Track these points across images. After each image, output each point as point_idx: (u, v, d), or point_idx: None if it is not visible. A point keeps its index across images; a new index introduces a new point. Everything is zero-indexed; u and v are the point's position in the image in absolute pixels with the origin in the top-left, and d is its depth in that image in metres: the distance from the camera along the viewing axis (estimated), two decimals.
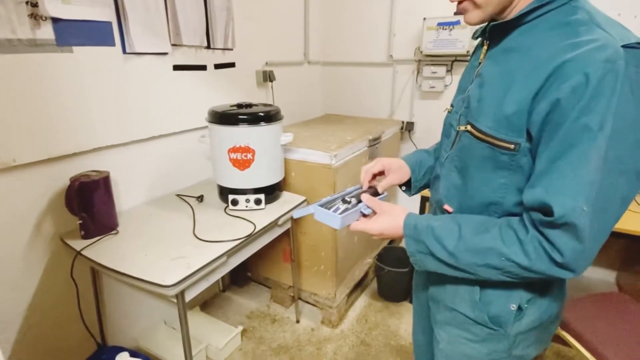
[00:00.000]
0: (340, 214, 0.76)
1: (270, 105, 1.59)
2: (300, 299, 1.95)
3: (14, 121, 1.14)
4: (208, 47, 1.73)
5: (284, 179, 1.67)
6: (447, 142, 0.79)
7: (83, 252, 1.20)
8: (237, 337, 1.72)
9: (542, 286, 0.70)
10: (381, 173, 0.91)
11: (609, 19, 0.60)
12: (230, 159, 1.46)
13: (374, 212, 0.78)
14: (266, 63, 2.16)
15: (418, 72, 2.38)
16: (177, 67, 1.62)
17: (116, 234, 1.32)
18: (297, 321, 1.90)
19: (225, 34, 1.79)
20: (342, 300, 1.87)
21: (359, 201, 0.80)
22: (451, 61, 2.25)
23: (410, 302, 2.04)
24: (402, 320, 1.91)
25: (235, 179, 1.50)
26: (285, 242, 1.82)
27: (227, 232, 1.33)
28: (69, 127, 1.28)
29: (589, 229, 0.55)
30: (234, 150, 1.45)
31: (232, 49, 1.87)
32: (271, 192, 1.58)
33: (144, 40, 1.44)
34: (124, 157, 1.48)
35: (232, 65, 1.90)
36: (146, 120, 1.53)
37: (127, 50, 1.41)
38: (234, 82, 1.94)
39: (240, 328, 1.73)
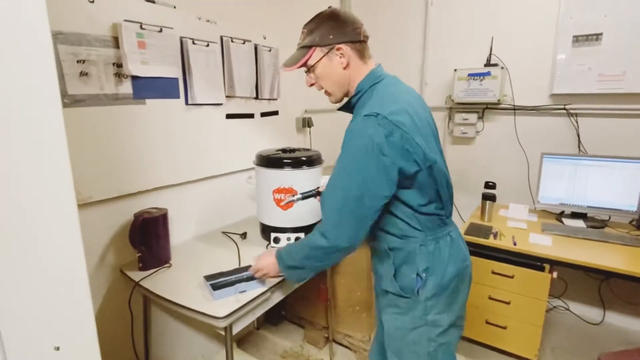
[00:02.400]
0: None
1: (311, 150, 1.72)
2: (334, 340, 1.96)
3: (94, 162, 1.31)
4: (256, 97, 1.92)
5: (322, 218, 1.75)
6: None
7: (141, 283, 1.31)
8: None
9: (433, 259, 1.02)
10: None
11: (381, 96, 0.99)
12: (275, 199, 1.57)
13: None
14: (305, 111, 2.33)
15: (450, 119, 2.48)
16: (229, 116, 1.80)
17: (169, 267, 1.43)
18: None
19: (271, 86, 1.98)
20: None
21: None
22: (482, 109, 2.34)
23: None
24: None
25: (278, 217, 1.60)
26: (321, 282, 1.86)
27: None
28: (137, 168, 1.44)
29: (327, 209, 1.01)
30: (278, 191, 1.56)
31: (276, 99, 2.05)
32: (310, 230, 1.66)
33: (204, 93, 1.63)
34: (179, 196, 1.63)
35: (276, 113, 2.07)
36: (201, 162, 1.68)
37: (189, 102, 1.59)
38: (277, 128, 2.10)
39: None
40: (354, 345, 1.88)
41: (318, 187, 1.37)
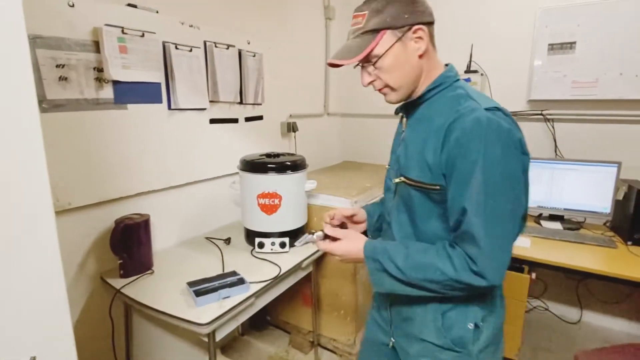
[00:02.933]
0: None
1: (296, 154, 1.73)
2: (319, 344, 1.96)
3: (74, 168, 1.28)
4: (240, 102, 1.92)
5: (307, 223, 1.76)
6: (389, 195, 0.96)
7: (122, 290, 1.28)
8: None
9: (490, 303, 0.86)
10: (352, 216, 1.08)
11: (479, 93, 0.82)
12: (259, 204, 1.57)
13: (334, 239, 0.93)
14: (290, 115, 2.34)
15: None
16: (213, 121, 1.79)
17: (152, 273, 1.41)
18: None
19: (255, 91, 1.98)
20: None
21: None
22: None
23: None
24: None
25: (263, 222, 1.60)
26: (305, 286, 1.86)
27: (254, 273, 1.40)
28: (119, 173, 1.42)
29: (483, 236, 0.72)
30: (262, 196, 1.56)
31: (260, 104, 2.06)
32: (295, 236, 1.66)
33: (187, 98, 1.62)
34: (162, 201, 1.61)
35: (260, 118, 2.08)
36: (183, 167, 1.67)
37: (172, 107, 1.58)
38: (261, 133, 2.10)
39: None
40: (339, 350, 1.88)
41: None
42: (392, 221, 0.93)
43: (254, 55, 1.95)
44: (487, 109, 0.74)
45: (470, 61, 2.30)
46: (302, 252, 1.62)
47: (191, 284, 1.27)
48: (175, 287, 1.30)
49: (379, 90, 0.87)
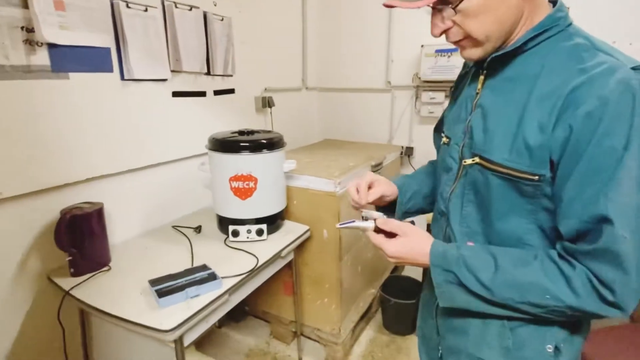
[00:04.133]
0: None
1: (272, 132, 1.55)
2: (302, 334, 1.84)
3: (3, 150, 1.06)
4: (208, 73, 1.70)
5: (286, 207, 1.61)
6: (449, 177, 0.75)
7: (72, 292, 1.10)
8: None
9: (576, 321, 0.67)
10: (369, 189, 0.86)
11: (607, 44, 0.59)
12: (232, 188, 1.40)
13: (390, 234, 0.71)
14: (265, 89, 2.13)
15: (417, 98, 2.39)
16: (176, 94, 1.57)
17: (108, 270, 1.23)
18: (300, 359, 1.78)
19: (225, 60, 1.77)
20: (347, 335, 1.77)
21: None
22: (450, 87, 2.24)
23: None
24: (410, 357, 1.81)
25: (236, 208, 1.43)
26: (286, 274, 1.72)
27: (228, 266, 1.24)
28: (62, 156, 1.21)
29: (633, 258, 0.52)
30: (236, 178, 1.39)
31: (231, 75, 1.84)
32: (273, 222, 1.51)
33: (143, 67, 1.40)
34: (119, 187, 1.41)
35: (231, 91, 1.87)
36: (143, 148, 1.46)
37: (126, 77, 1.36)
38: (233, 109, 1.90)
39: None
40: (323, 339, 1.77)
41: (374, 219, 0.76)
42: (450, 212, 0.72)
43: (222, 19, 1.72)
44: (634, 69, 0.53)
45: None
46: (281, 239, 1.47)
47: (153, 282, 1.10)
48: (135, 285, 1.13)
49: (456, 42, 0.64)
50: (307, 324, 1.81)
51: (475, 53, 0.64)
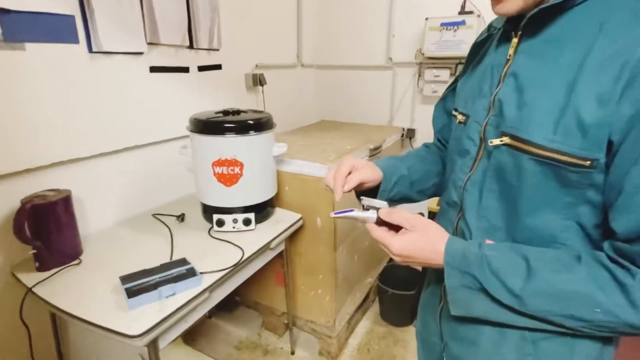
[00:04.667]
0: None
1: (260, 111, 1.41)
2: (295, 326, 1.76)
3: None
4: (190, 46, 1.55)
5: (277, 194, 1.49)
6: (464, 162, 0.62)
7: (35, 289, 0.99)
8: None
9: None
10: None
11: None
12: (215, 174, 1.27)
13: (395, 227, 0.59)
14: (256, 66, 1.98)
15: (419, 76, 2.23)
16: (154, 69, 1.42)
17: (78, 264, 1.12)
18: (292, 352, 1.70)
19: (210, 32, 1.61)
20: (342, 328, 1.68)
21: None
22: (455, 64, 2.09)
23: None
24: (408, 349, 1.73)
25: (221, 196, 1.31)
26: (278, 263, 1.62)
27: (210, 259, 1.14)
28: (21, 138, 1.07)
29: None
30: (219, 163, 1.26)
31: (218, 50, 1.69)
32: (262, 210, 1.39)
33: (114, 38, 1.25)
34: (92, 172, 1.28)
35: (218, 67, 1.71)
36: (118, 129, 1.33)
37: (94, 49, 1.21)
38: (221, 87, 1.75)
39: None
40: (317, 332, 1.69)
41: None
42: (465, 204, 0.61)
43: None
44: None
45: (465, 0, 1.97)
46: (270, 229, 1.36)
47: (125, 279, 0.99)
48: (106, 282, 1.02)
49: None
50: (300, 315, 1.72)
51: (514, 5, 0.52)
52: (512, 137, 0.52)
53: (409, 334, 1.83)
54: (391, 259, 2.16)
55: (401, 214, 0.58)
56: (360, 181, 0.69)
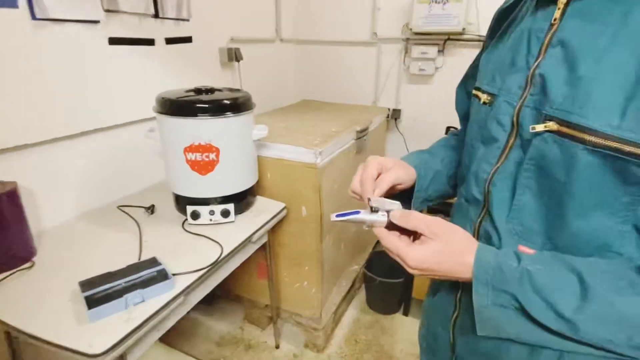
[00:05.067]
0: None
1: (237, 90, 1.27)
2: (279, 318, 1.67)
3: None
4: (156, 15, 1.36)
5: (258, 182, 1.36)
6: (490, 150, 0.52)
7: None
8: None
9: None
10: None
11: None
12: (188, 161, 1.14)
13: (414, 235, 0.49)
14: (231, 39, 1.80)
15: (406, 53, 2.11)
16: (114, 41, 1.24)
17: (31, 267, 0.97)
18: (277, 346, 1.62)
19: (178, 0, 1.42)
20: (328, 319, 1.61)
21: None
22: (444, 40, 1.99)
23: (404, 314, 1.82)
24: (395, 338, 1.68)
25: (195, 185, 1.17)
26: (260, 255, 1.51)
27: (186, 257, 1.02)
28: None
29: None
30: (192, 149, 1.12)
31: (187, 20, 1.50)
32: (242, 200, 1.27)
33: (63, 2, 1.06)
34: (43, 160, 1.11)
35: (188, 40, 1.54)
36: (73, 110, 1.15)
37: (38, 16, 1.02)
38: (192, 62, 1.58)
39: None
40: (302, 325, 1.61)
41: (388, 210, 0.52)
42: (492, 202, 0.51)
43: None
44: None
45: None
46: (252, 221, 1.24)
47: (85, 286, 0.86)
48: (64, 288, 0.89)
49: None
50: (284, 308, 1.64)
51: None
52: (562, 122, 0.42)
53: (397, 321, 1.78)
54: (377, 245, 2.11)
55: (419, 217, 0.47)
56: (394, 183, 0.58)
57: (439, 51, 2.01)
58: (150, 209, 1.26)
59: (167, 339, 1.61)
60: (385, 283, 1.72)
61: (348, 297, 1.86)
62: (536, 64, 0.46)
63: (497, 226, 0.50)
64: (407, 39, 2.07)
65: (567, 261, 0.42)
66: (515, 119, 0.48)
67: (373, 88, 2.26)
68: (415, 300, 1.78)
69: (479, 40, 1.91)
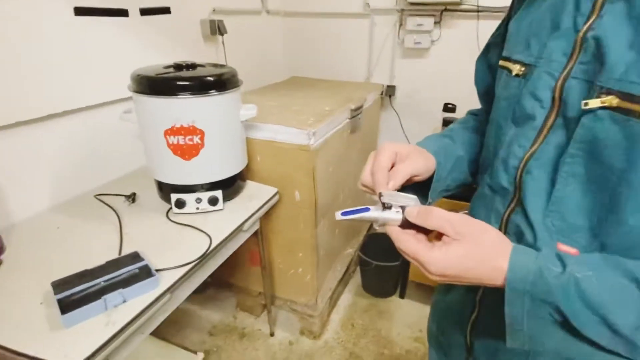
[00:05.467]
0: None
1: (222, 66, 1.16)
2: (273, 305, 1.62)
3: None
4: None
5: (247, 166, 1.27)
6: (523, 131, 0.45)
7: None
8: None
9: None
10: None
11: None
12: (170, 145, 1.03)
13: (435, 235, 0.42)
14: (213, 10, 1.66)
15: (400, 25, 1.99)
16: (80, 11, 1.11)
17: None
18: (272, 334, 1.57)
19: None
20: (324, 305, 1.57)
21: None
22: (440, 10, 1.88)
23: (401, 297, 1.79)
24: (392, 322, 1.65)
25: (179, 172, 1.08)
26: (252, 242, 1.44)
27: (171, 251, 0.94)
28: None
29: None
30: (173, 132, 1.02)
31: None
32: (230, 186, 1.18)
33: None
34: (6, 148, 1.00)
35: (165, 10, 1.40)
36: (37, 91, 1.03)
37: None
38: (171, 35, 1.44)
39: (201, 356, 1.38)
40: (298, 312, 1.56)
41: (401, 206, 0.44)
42: (526, 191, 0.43)
43: None
44: None
45: None
46: (242, 208, 1.16)
47: (58, 286, 0.78)
48: (35, 289, 0.80)
49: None
50: (279, 295, 1.58)
51: None
52: (624, 96, 0.34)
53: (393, 304, 1.75)
54: (371, 228, 2.06)
55: (441, 214, 0.40)
56: (411, 174, 0.50)
57: (435, 23, 1.90)
58: (131, 198, 1.16)
59: (156, 331, 1.54)
60: (381, 266, 1.68)
61: (343, 282, 1.81)
62: (588, 24, 0.38)
63: (531, 221, 0.43)
64: (402, 10, 1.95)
65: (622, 265, 0.35)
66: (557, 93, 0.40)
67: (366, 63, 2.14)
68: (412, 283, 1.75)
69: (477, 11, 1.81)
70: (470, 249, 0.38)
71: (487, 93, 0.61)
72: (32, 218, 1.07)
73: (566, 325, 0.35)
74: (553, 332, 0.37)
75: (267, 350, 1.50)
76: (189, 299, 1.67)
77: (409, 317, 1.67)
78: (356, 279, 1.89)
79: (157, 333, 1.52)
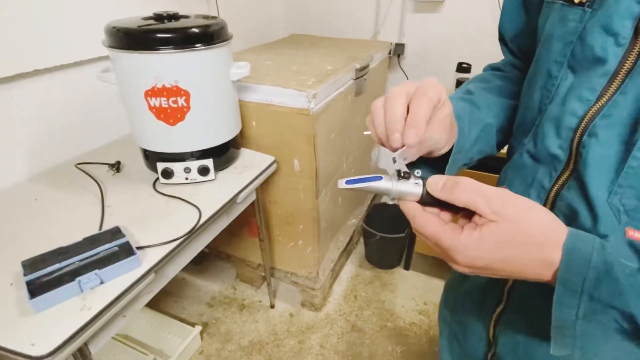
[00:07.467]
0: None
1: (208, 16, 1.02)
2: (273, 277, 1.57)
3: None
4: None
5: (241, 132, 1.16)
6: (589, 80, 0.33)
7: None
8: (196, 339, 1.34)
9: None
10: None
11: None
12: (152, 108, 0.93)
13: (464, 215, 0.33)
14: None
15: None
16: None
17: None
18: (272, 306, 1.53)
19: None
20: (326, 278, 1.51)
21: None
22: None
23: (405, 268, 1.74)
24: (396, 294, 1.60)
25: (165, 138, 0.98)
26: (249, 213, 1.36)
27: (157, 225, 0.86)
28: None
29: None
30: (154, 93, 0.90)
31: None
32: (223, 154, 1.08)
33: None
34: None
35: None
36: (1, 46, 0.91)
37: None
38: None
39: (199, 329, 1.34)
40: (298, 284, 1.51)
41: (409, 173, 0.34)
42: (587, 160, 0.33)
43: None
44: None
45: None
46: (236, 178, 1.07)
47: (29, 266, 0.70)
48: (4, 270, 0.73)
49: None
50: (278, 267, 1.53)
51: None
52: None
53: (397, 276, 1.70)
54: (376, 198, 1.98)
55: (474, 186, 0.30)
56: (433, 144, 0.36)
57: None
58: (116, 167, 1.07)
59: (152, 302, 1.51)
60: (385, 238, 1.60)
61: (346, 253, 1.75)
62: None
63: (591, 198, 0.33)
64: None
65: None
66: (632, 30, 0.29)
67: (373, 19, 1.96)
68: (417, 254, 1.68)
69: None
70: (510, 233, 0.29)
71: (516, 38, 0.48)
72: (7, 189, 0.99)
73: (635, 335, 0.26)
74: (614, 341, 0.29)
75: (267, 323, 1.46)
76: (187, 269, 1.63)
77: (414, 289, 1.62)
78: (359, 250, 1.83)
79: (153, 304, 1.49)
